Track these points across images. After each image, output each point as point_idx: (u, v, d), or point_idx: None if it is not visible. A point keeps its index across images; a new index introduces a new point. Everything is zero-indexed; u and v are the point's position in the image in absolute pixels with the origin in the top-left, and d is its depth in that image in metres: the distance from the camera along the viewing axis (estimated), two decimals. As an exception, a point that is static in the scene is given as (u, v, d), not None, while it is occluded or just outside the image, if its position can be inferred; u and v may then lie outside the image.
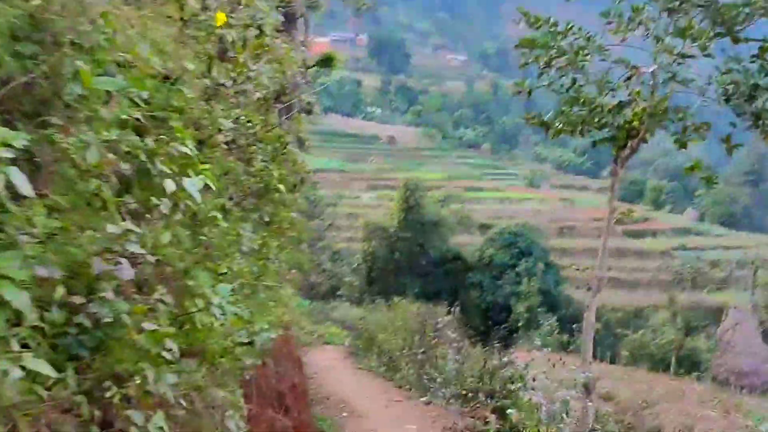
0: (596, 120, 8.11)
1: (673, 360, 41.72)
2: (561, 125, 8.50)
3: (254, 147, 6.78)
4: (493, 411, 12.31)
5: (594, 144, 8.67)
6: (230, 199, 5.86)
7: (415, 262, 50.02)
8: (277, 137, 7.55)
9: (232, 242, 5.08)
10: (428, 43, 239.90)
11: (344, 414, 14.53)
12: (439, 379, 15.02)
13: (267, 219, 7.31)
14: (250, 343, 4.33)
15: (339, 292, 50.52)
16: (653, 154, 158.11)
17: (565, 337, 42.28)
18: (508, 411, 12.13)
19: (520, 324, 45.99)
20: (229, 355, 3.98)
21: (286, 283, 10.87)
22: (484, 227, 64.15)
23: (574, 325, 46.62)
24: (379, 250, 50.51)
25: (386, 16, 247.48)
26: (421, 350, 14.97)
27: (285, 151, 7.89)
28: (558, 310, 47.89)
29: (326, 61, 22.36)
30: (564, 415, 12.82)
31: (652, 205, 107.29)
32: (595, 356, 42.97)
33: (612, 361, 42.14)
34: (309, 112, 23.45)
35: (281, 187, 6.98)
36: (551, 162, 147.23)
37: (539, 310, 46.33)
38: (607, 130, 8.24)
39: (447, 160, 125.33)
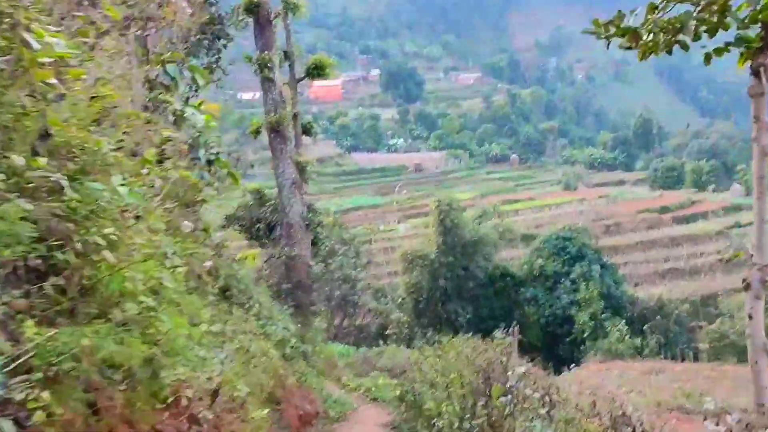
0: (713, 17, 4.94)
1: None
2: (655, 34, 5.25)
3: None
4: None
5: (708, 57, 5.25)
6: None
7: (462, 287, 47.06)
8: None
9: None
10: (439, 67, 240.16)
11: None
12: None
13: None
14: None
15: (388, 331, 47.68)
16: (685, 138, 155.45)
17: (638, 341, 39.12)
18: None
19: (585, 334, 42.67)
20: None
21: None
22: (527, 238, 61.24)
23: (644, 327, 43.77)
24: (422, 280, 47.66)
25: (393, 49, 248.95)
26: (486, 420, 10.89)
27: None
28: (623, 313, 44.60)
29: (316, 70, 19.92)
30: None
31: (695, 188, 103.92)
32: (674, 356, 39.97)
33: (695, 358, 38.65)
34: (309, 133, 21.46)
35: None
36: (582, 162, 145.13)
37: (603, 315, 42.94)
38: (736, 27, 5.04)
39: (477, 178, 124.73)
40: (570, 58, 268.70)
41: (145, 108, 7.65)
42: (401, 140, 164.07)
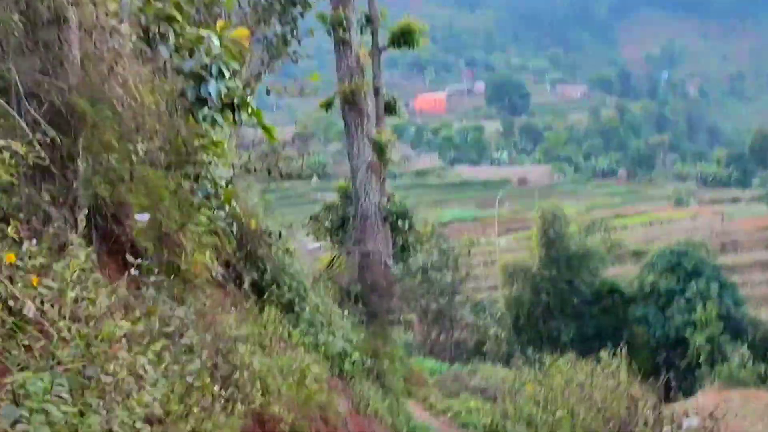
0: None
1: None
2: None
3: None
4: None
5: None
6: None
7: (566, 302, 44.32)
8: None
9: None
10: (545, 80, 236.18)
11: None
12: None
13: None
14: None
15: (485, 348, 45.36)
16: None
17: (762, 367, 35.48)
18: None
19: (701, 358, 39.17)
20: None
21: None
22: (636, 255, 57.73)
23: (769, 352, 39.87)
24: (522, 294, 45.18)
25: (499, 62, 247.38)
26: None
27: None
28: (744, 337, 40.80)
29: (403, 37, 17.62)
30: None
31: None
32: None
33: None
34: (392, 110, 19.08)
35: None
36: (694, 178, 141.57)
37: (722, 338, 39.33)
38: None
39: (583, 193, 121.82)
40: (682, 71, 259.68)
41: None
42: (505, 153, 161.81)
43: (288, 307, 9.81)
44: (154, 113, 5.37)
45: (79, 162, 5.00)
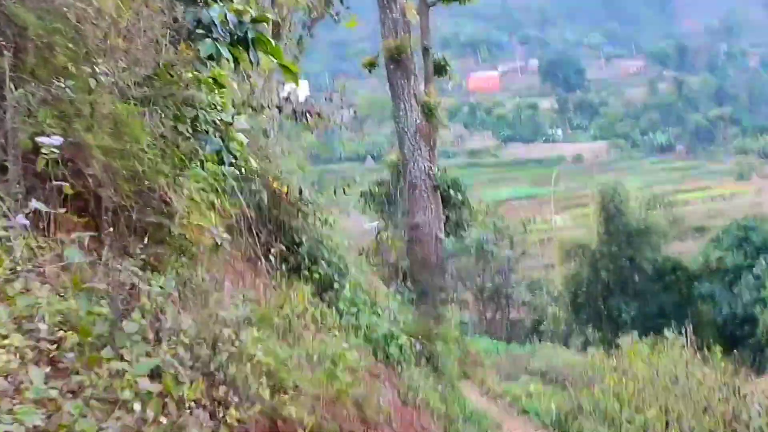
0: None
1: None
2: None
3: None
4: None
5: None
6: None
7: (626, 280, 42.72)
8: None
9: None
10: (600, 55, 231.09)
11: None
12: None
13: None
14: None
15: (542, 327, 44.14)
16: None
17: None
18: None
19: (771, 337, 37.42)
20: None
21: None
22: (699, 230, 55.77)
23: None
24: (581, 272, 43.69)
25: (552, 37, 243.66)
26: None
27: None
28: (817, 315, 38.82)
29: None
30: None
31: None
32: None
33: None
34: (442, 71, 17.79)
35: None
36: (755, 152, 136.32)
37: (793, 316, 37.47)
38: None
39: (641, 169, 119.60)
40: (743, 43, 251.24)
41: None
42: (560, 130, 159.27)
43: (325, 285, 8.81)
44: (128, 33, 4.43)
45: (11, 88, 3.83)
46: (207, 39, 5.12)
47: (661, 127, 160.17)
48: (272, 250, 7.79)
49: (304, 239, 8.81)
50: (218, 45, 5.17)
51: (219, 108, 5.40)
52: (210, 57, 5.19)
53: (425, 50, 16.83)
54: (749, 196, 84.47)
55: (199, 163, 5.22)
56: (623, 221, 42.57)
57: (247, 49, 5.44)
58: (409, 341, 10.28)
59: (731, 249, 41.66)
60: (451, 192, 16.73)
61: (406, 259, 15.58)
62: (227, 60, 5.18)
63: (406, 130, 16.50)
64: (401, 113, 16.50)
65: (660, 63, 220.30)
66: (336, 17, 13.44)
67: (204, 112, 5.18)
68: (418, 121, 16.34)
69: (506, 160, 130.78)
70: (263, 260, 7.72)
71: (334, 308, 8.57)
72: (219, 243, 5.21)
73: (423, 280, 15.25)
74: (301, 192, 8.98)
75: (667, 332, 19.69)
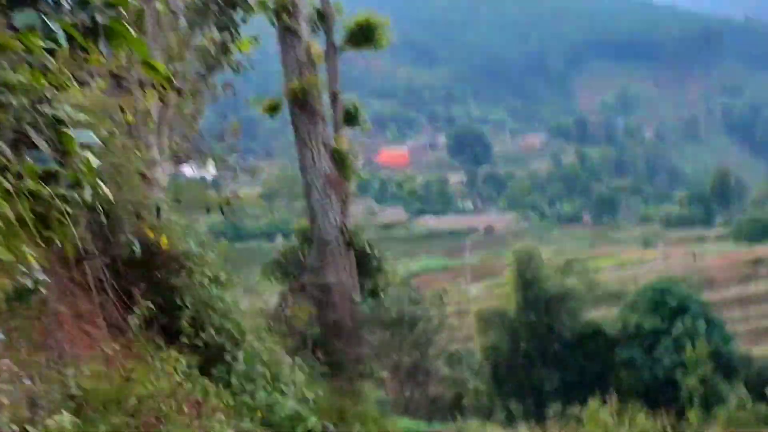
0: None
1: None
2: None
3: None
4: None
5: None
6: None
7: (547, 349, 41.77)
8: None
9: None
10: (505, 131, 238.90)
11: None
12: None
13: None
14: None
15: (464, 402, 42.52)
16: (764, 191, 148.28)
17: (763, 408, 33.09)
18: None
19: (694, 401, 36.66)
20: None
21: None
22: (614, 296, 55.71)
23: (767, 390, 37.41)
24: (500, 342, 42.55)
25: (459, 115, 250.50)
26: None
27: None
28: (735, 376, 38.53)
29: (364, 34, 14.45)
30: None
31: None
32: None
33: None
34: (353, 120, 16.09)
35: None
36: (658, 220, 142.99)
37: (714, 378, 36.97)
38: None
39: (550, 239, 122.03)
40: (637, 117, 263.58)
41: None
42: (470, 202, 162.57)
43: (213, 356, 6.99)
44: None
45: None
46: (26, 9, 3.47)
47: (567, 198, 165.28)
48: (136, 311, 5.96)
49: (187, 301, 7.01)
50: (46, 19, 3.51)
51: (50, 100, 3.70)
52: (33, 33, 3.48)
53: (334, 96, 15.09)
54: (658, 261, 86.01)
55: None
56: (541, 287, 41.87)
57: (95, 38, 3.78)
58: (319, 423, 8.35)
59: (648, 313, 41.34)
60: (368, 253, 14.91)
61: (317, 326, 13.57)
62: (63, 46, 3.47)
63: (314, 180, 14.64)
64: (308, 161, 14.74)
65: (562, 137, 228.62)
66: (236, 67, 11.72)
67: (22, 98, 3.48)
68: (327, 170, 14.57)
69: (418, 233, 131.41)
70: (127, 323, 5.90)
71: (221, 385, 6.71)
72: (31, 288, 3.48)
73: (337, 350, 13.21)
74: (186, 246, 7.23)
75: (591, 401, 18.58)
